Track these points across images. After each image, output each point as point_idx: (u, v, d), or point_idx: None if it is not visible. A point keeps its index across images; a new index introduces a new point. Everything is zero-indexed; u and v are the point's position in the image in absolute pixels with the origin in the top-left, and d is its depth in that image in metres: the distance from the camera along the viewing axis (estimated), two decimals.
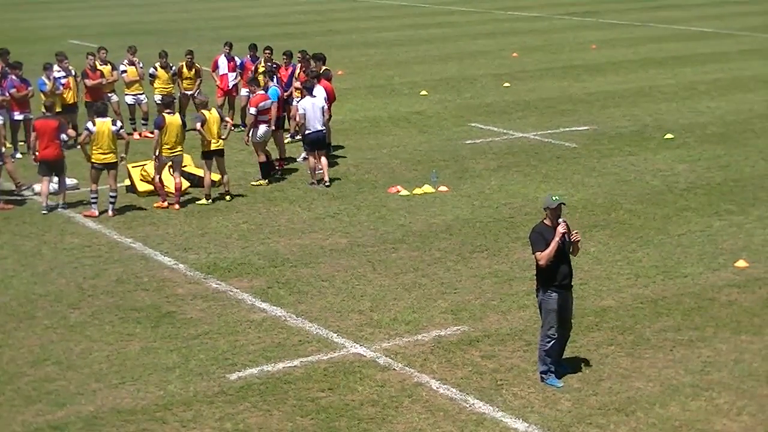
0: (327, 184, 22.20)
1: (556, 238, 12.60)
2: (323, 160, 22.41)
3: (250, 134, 22.40)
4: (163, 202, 20.83)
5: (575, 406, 12.38)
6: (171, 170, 21.02)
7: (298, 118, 22.86)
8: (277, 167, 23.21)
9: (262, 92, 22.83)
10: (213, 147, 21.24)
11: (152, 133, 22.27)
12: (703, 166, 23.60)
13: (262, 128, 22.39)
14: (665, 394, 12.65)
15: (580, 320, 14.62)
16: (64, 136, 20.80)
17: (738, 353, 13.83)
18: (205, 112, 21.30)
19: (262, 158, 22.53)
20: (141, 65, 27.40)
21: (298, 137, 24.81)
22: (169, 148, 20.68)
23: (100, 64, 26.73)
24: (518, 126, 28.04)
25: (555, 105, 30.86)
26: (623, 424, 11.96)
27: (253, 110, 22.28)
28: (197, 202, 21.23)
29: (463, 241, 18.57)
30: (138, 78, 27.22)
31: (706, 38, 45.58)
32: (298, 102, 23.69)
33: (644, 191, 21.58)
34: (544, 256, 12.63)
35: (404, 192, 21.64)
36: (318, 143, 22.34)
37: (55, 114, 21.41)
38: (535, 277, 13.06)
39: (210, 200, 21.30)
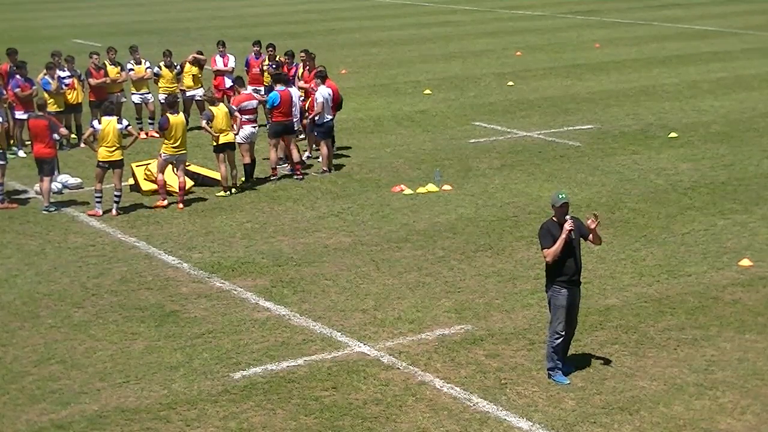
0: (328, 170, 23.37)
1: (563, 235, 12.63)
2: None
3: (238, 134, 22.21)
4: (162, 200, 20.82)
5: (579, 405, 12.38)
6: (174, 169, 21.05)
7: (316, 107, 22.91)
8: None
9: (247, 92, 22.80)
10: (222, 141, 21.37)
11: (158, 132, 22.35)
12: (707, 164, 23.59)
13: (247, 129, 22.13)
14: (669, 393, 12.65)
15: (584, 319, 14.61)
16: (55, 135, 20.80)
17: (742, 352, 13.83)
18: (213, 108, 21.41)
19: (246, 159, 22.32)
20: (148, 64, 27.43)
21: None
22: (174, 148, 20.74)
23: (110, 65, 26.80)
24: (522, 125, 28.03)
25: (558, 104, 30.85)
26: (627, 423, 11.95)
27: (233, 108, 22.13)
28: (217, 194, 21.42)
29: (467, 240, 18.57)
30: (145, 76, 27.24)
31: (710, 37, 45.56)
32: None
33: (648, 190, 21.57)
34: (551, 252, 12.66)
35: (408, 191, 21.65)
36: (331, 131, 23.32)
37: (47, 113, 21.40)
38: (540, 276, 13.09)
39: (228, 192, 21.46)
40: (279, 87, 22.90)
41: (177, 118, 20.86)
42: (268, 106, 22.80)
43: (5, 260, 17.93)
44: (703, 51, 41.22)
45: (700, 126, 27.65)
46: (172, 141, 20.70)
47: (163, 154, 20.81)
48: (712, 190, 21.46)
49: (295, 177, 22.77)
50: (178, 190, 20.92)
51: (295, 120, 23.09)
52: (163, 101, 26.21)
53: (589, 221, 12.96)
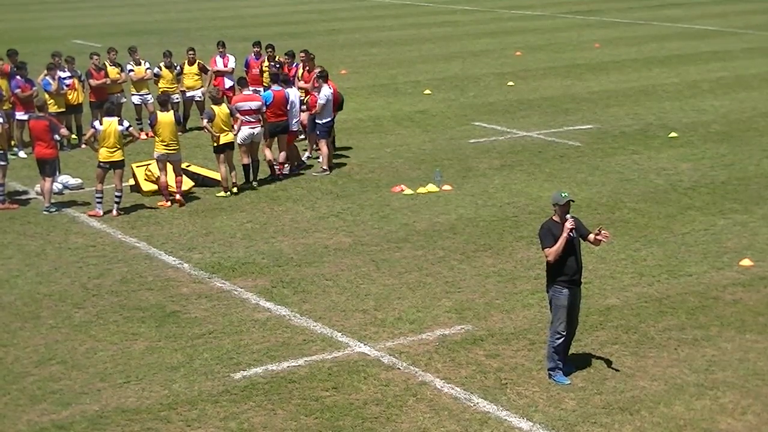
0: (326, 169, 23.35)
1: (564, 234, 12.63)
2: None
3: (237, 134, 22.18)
4: (166, 201, 20.90)
5: (580, 405, 12.38)
6: (167, 166, 21.01)
7: (318, 107, 22.92)
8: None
9: (248, 92, 22.73)
10: (222, 141, 21.37)
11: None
12: (707, 164, 23.59)
13: (245, 130, 21.99)
14: (670, 393, 12.65)
15: (584, 319, 14.61)
16: (56, 136, 20.84)
17: (743, 352, 13.83)
18: (214, 107, 21.42)
19: (245, 160, 22.26)
20: (147, 65, 27.47)
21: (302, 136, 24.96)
22: (164, 145, 20.78)
23: (111, 65, 26.81)
24: (522, 125, 28.03)
25: (558, 104, 30.86)
26: (628, 423, 11.96)
27: (233, 109, 22.07)
28: (217, 194, 21.44)
29: (467, 240, 18.57)
30: (145, 77, 27.26)
31: (710, 37, 45.56)
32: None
33: (648, 190, 21.58)
34: (552, 252, 12.66)
35: (408, 191, 21.65)
36: (331, 130, 23.46)
37: (47, 114, 21.41)
38: (540, 276, 13.08)
39: (228, 193, 21.47)
40: (275, 87, 22.94)
41: (165, 117, 20.87)
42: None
43: (6, 261, 17.94)
44: (703, 51, 41.22)
45: (700, 126, 27.66)
46: (160, 139, 20.78)
47: (155, 153, 20.88)
48: (712, 190, 21.46)
49: (277, 175, 22.73)
50: (175, 188, 20.93)
51: (294, 120, 23.09)
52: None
53: (595, 233, 12.88)
